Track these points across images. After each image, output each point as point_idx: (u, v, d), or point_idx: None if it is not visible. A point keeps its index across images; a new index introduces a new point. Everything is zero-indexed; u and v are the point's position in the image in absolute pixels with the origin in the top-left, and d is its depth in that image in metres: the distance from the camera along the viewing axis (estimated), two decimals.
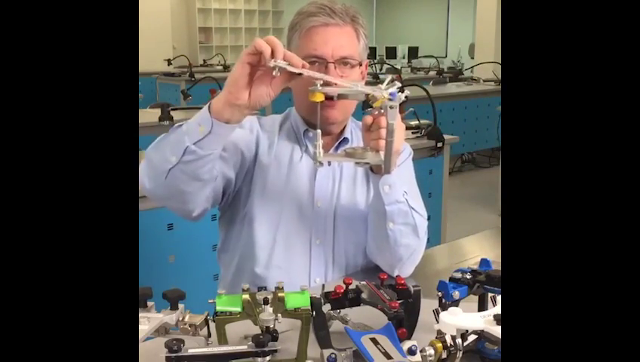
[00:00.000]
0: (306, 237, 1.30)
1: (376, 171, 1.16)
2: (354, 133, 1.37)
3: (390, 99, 0.99)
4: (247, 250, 1.31)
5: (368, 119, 1.08)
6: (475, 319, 0.86)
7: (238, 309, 0.86)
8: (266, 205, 1.29)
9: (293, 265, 1.29)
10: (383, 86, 1.01)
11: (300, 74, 1.00)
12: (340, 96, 1.02)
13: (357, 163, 1.06)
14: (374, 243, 1.26)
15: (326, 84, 1.02)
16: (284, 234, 1.29)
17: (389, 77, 1.02)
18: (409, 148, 1.39)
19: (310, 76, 1.01)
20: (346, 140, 1.35)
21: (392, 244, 1.20)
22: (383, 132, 1.05)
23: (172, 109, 3.56)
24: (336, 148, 1.34)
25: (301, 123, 1.34)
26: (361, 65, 1.30)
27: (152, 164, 1.14)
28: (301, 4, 1.30)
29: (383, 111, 1.02)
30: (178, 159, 1.08)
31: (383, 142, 1.05)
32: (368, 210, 1.26)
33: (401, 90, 1.00)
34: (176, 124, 1.14)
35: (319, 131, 1.03)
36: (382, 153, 1.05)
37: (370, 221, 1.25)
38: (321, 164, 1.03)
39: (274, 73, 1.00)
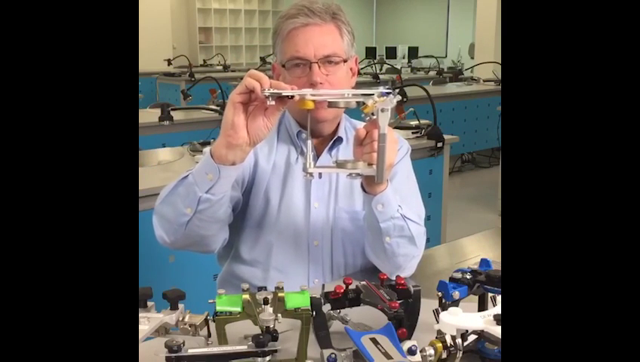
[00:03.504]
0: (304, 239, 1.29)
1: (367, 187, 1.14)
2: (348, 132, 1.36)
3: (382, 95, 0.98)
4: (246, 252, 1.31)
5: (361, 132, 1.06)
6: (475, 319, 0.86)
7: (238, 309, 0.86)
8: (263, 208, 1.29)
9: (291, 266, 1.29)
10: (376, 95, 0.99)
11: (292, 96, 1.00)
12: (331, 104, 1.02)
13: (349, 175, 1.05)
14: (372, 253, 1.25)
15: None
16: (282, 237, 1.29)
17: (381, 88, 1.00)
18: (407, 145, 1.38)
19: (301, 94, 1.00)
20: (339, 139, 1.34)
21: (390, 255, 1.20)
22: (376, 144, 1.02)
23: (172, 109, 3.56)
24: (330, 148, 1.34)
25: (294, 125, 1.33)
26: (346, 61, 1.27)
27: (167, 219, 1.15)
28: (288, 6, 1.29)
29: (374, 117, 1.00)
30: (194, 210, 1.10)
31: (375, 155, 1.02)
32: (363, 222, 1.25)
33: (395, 94, 0.99)
34: (181, 176, 1.14)
35: (310, 142, 1.03)
36: (374, 166, 1.03)
37: (366, 234, 1.25)
38: (311, 175, 1.02)
39: (268, 103, 1.00)
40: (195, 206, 1.09)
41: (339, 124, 1.34)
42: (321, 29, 1.24)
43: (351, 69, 1.31)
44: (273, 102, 1.00)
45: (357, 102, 1.00)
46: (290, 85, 1.17)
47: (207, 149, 1.28)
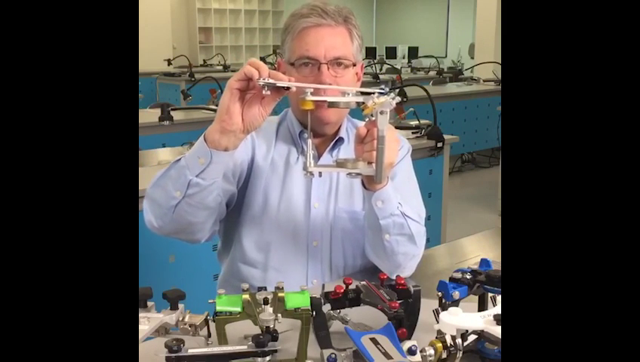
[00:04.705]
0: (303, 239, 1.29)
1: (368, 184, 1.14)
2: (350, 132, 1.36)
3: (380, 94, 0.98)
4: (244, 252, 1.31)
5: (362, 131, 1.06)
6: (475, 319, 0.86)
7: (238, 309, 0.86)
8: (262, 207, 1.29)
9: (290, 267, 1.29)
10: (376, 95, 1.00)
11: (288, 88, 1.01)
12: (332, 105, 1.02)
13: (349, 174, 1.05)
14: (372, 251, 1.25)
15: (318, 90, 1.02)
16: (281, 237, 1.29)
17: (382, 86, 1.01)
18: (407, 145, 1.38)
19: (299, 87, 1.01)
20: (341, 140, 1.34)
21: (390, 254, 1.20)
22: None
23: (172, 109, 3.56)
24: (332, 148, 1.34)
25: (297, 124, 1.33)
26: (354, 65, 1.28)
27: (157, 202, 1.15)
28: (301, 4, 1.30)
29: (374, 118, 1.01)
30: (183, 193, 1.10)
31: (375, 154, 1.03)
32: (363, 221, 1.25)
33: (393, 97, 0.99)
34: (174, 160, 1.14)
35: (310, 141, 1.03)
36: (374, 165, 1.03)
37: (366, 232, 1.25)
38: (312, 174, 1.03)
39: (264, 92, 1.01)
40: (184, 189, 1.09)
41: (341, 125, 1.35)
42: (333, 31, 1.25)
43: (356, 74, 1.31)
44: (269, 92, 1.01)
45: (357, 102, 1.01)
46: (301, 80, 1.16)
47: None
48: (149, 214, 1.17)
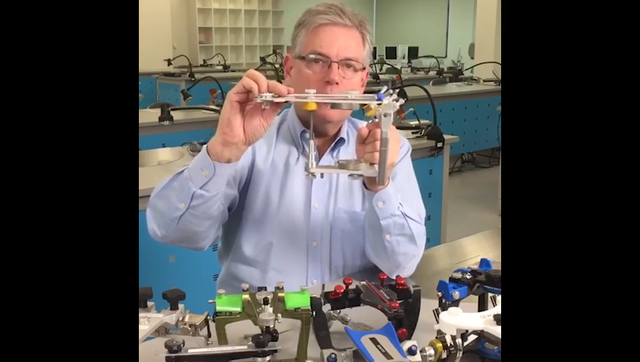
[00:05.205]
0: (303, 239, 1.29)
1: (369, 185, 1.14)
2: (350, 134, 1.36)
3: (380, 102, 0.98)
4: (244, 253, 1.31)
5: (364, 131, 1.06)
6: (475, 319, 0.86)
7: (238, 309, 0.86)
8: (262, 209, 1.29)
9: (289, 267, 1.29)
10: (376, 103, 1.00)
11: (287, 101, 1.01)
12: (334, 106, 1.02)
13: (350, 175, 1.05)
14: (372, 251, 1.25)
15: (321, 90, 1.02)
16: (281, 237, 1.29)
17: (385, 87, 1.01)
18: (407, 144, 1.38)
19: (299, 96, 1.01)
20: (342, 141, 1.34)
21: (390, 254, 1.20)
22: (379, 144, 1.02)
23: (172, 109, 3.55)
24: (332, 149, 1.34)
25: (298, 124, 1.33)
26: (363, 69, 1.29)
27: (160, 213, 1.15)
28: (301, 4, 1.30)
29: (377, 120, 1.01)
30: (187, 205, 1.10)
31: (378, 155, 1.03)
32: (364, 221, 1.25)
33: (397, 99, 0.99)
34: (177, 171, 1.15)
35: (312, 142, 1.03)
36: (376, 166, 1.03)
37: (367, 232, 1.25)
38: (313, 175, 1.03)
39: (263, 106, 1.01)
40: (188, 201, 1.09)
41: (342, 125, 1.34)
42: (348, 32, 1.26)
43: (361, 80, 1.31)
44: (268, 107, 1.01)
45: (360, 104, 1.01)
46: (305, 80, 1.16)
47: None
48: (152, 223, 1.18)
